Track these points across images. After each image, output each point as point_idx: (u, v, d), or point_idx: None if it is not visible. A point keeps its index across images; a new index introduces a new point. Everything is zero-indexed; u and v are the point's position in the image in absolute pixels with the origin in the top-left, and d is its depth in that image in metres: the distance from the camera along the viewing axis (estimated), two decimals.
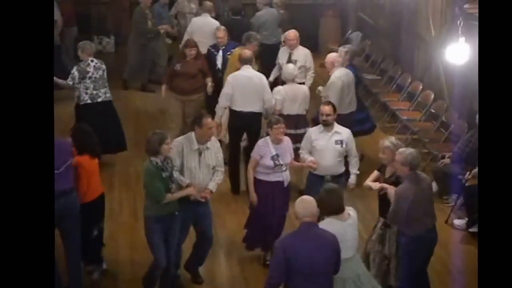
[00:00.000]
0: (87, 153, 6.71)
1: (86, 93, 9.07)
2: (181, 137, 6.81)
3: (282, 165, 7.11)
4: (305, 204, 5.26)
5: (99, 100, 9.13)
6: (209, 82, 9.62)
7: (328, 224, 5.47)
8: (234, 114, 8.68)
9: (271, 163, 7.07)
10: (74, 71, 9.02)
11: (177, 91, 9.65)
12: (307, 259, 5.09)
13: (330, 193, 5.62)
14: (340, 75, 8.88)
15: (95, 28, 14.90)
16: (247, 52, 8.89)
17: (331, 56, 9.08)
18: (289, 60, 9.94)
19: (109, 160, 9.58)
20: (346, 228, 5.56)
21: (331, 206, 5.56)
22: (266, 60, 11.18)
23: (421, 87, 10.98)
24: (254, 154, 7.18)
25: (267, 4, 12.54)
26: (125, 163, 9.58)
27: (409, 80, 11.42)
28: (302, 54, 10.09)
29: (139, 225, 7.94)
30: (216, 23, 11.17)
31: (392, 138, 6.72)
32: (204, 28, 11.12)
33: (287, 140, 7.32)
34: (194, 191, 6.45)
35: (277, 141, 7.13)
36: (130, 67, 12.83)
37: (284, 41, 10.54)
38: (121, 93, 12.25)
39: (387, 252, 6.47)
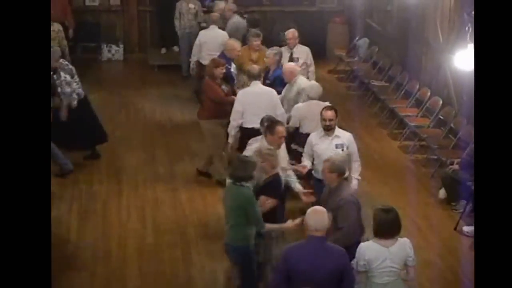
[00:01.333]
0: None
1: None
2: (255, 146, 6.86)
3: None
4: (317, 217, 5.15)
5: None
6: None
7: (367, 247, 5.33)
8: (244, 131, 8.38)
9: None
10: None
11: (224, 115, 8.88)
12: (308, 272, 5.04)
13: (383, 214, 5.37)
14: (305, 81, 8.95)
15: (104, 37, 14.95)
16: (256, 68, 8.71)
17: (291, 66, 9.05)
18: (291, 59, 10.11)
19: (118, 167, 9.62)
20: (385, 254, 5.31)
21: (379, 228, 5.35)
22: None
23: (429, 93, 10.96)
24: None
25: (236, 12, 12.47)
26: (133, 170, 9.59)
27: (417, 86, 11.39)
28: (303, 51, 10.32)
29: (146, 232, 8.00)
30: (224, 34, 11.18)
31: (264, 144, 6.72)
32: (213, 40, 11.12)
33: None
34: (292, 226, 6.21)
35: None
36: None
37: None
38: (129, 99, 12.30)
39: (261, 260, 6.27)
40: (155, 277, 7.16)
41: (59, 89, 9.09)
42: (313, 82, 8.65)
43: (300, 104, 8.38)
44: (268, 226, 6.05)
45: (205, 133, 9.12)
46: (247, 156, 6.22)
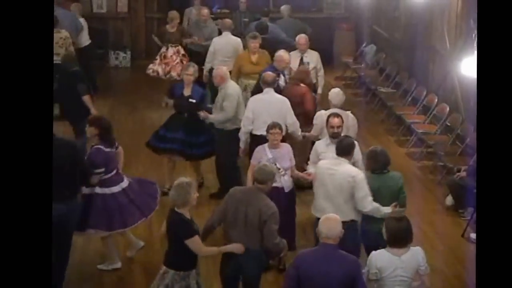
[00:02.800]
0: None
1: None
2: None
3: (279, 169, 7.14)
4: (330, 225, 5.15)
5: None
6: None
7: (378, 256, 5.32)
8: (254, 138, 8.29)
9: None
10: None
11: None
12: (319, 279, 5.04)
13: (395, 222, 5.35)
14: (236, 88, 8.94)
15: (111, 43, 15.02)
16: (270, 75, 8.58)
17: (221, 70, 8.91)
18: (301, 63, 10.22)
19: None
20: (396, 263, 5.28)
21: (390, 237, 5.32)
22: None
23: (436, 100, 10.95)
24: (252, 160, 7.31)
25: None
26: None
27: (424, 93, 11.39)
28: (313, 56, 10.45)
29: (153, 239, 7.99)
30: (237, 40, 11.22)
31: None
32: (226, 46, 11.15)
33: (286, 147, 7.41)
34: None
35: (273, 146, 7.25)
36: None
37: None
38: (138, 104, 12.33)
39: None
40: None
41: None
42: (338, 89, 8.37)
43: (322, 112, 8.21)
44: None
45: None
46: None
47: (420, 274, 5.36)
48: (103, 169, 6.96)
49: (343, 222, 5.37)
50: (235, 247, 5.89)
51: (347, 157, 6.55)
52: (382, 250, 5.36)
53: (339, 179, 6.40)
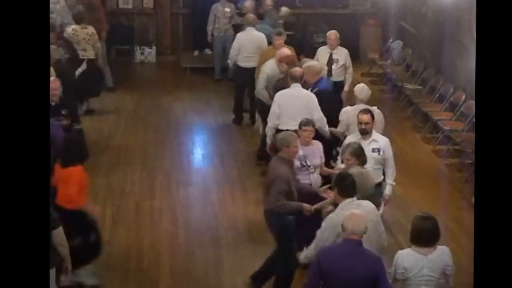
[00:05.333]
0: (79, 163, 6.68)
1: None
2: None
3: (309, 166, 7.15)
4: (355, 221, 5.11)
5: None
6: None
7: (405, 255, 5.25)
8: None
9: (297, 163, 7.10)
10: None
11: None
12: (341, 275, 5.02)
13: (422, 221, 5.27)
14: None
15: (137, 39, 15.07)
16: (298, 70, 8.58)
17: None
18: (330, 60, 10.20)
19: (151, 168, 9.68)
20: (422, 262, 5.22)
21: (417, 236, 5.26)
22: None
23: (463, 97, 10.82)
24: None
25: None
26: (165, 172, 9.64)
27: (452, 89, 11.27)
28: (342, 53, 10.38)
29: (179, 232, 8.03)
30: (262, 36, 11.21)
31: None
32: (250, 42, 11.14)
33: (317, 144, 7.39)
34: None
35: (305, 143, 7.21)
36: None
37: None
38: (163, 100, 12.39)
39: None
40: (186, 277, 7.18)
41: None
42: (363, 84, 8.33)
43: (348, 108, 8.18)
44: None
45: None
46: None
47: (446, 274, 5.30)
48: None
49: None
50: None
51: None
52: (409, 249, 5.30)
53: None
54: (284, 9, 12.56)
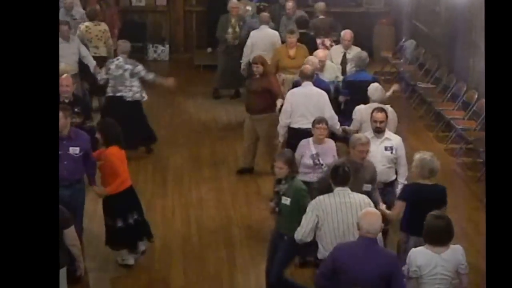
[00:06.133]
0: (115, 144, 7.01)
1: (109, 87, 9.75)
2: None
3: (322, 164, 7.15)
4: (371, 220, 5.13)
5: (118, 95, 9.66)
6: (279, 103, 9.07)
7: (418, 253, 5.26)
8: (292, 132, 8.34)
9: (310, 161, 7.14)
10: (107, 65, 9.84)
11: (246, 108, 9.46)
12: (355, 272, 5.03)
13: (436, 220, 5.27)
14: None
15: (150, 36, 15.11)
16: (309, 68, 8.56)
17: None
18: (344, 59, 10.14)
19: (163, 167, 9.70)
20: (436, 260, 5.22)
21: (431, 234, 5.26)
22: None
23: (476, 96, 10.78)
24: (296, 154, 7.23)
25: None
26: (178, 170, 9.66)
27: (465, 88, 11.23)
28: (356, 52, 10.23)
29: (191, 232, 8.04)
30: (275, 34, 11.19)
31: None
32: (264, 40, 11.12)
33: (330, 142, 7.41)
34: None
35: (318, 141, 7.24)
36: (219, 75, 12.67)
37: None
38: (175, 99, 12.40)
39: None
40: (199, 277, 7.20)
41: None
42: (376, 84, 8.32)
43: (362, 107, 8.11)
44: None
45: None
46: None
47: (460, 272, 5.30)
48: None
49: None
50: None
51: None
52: (422, 247, 5.31)
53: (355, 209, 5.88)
54: (321, 4, 12.50)
